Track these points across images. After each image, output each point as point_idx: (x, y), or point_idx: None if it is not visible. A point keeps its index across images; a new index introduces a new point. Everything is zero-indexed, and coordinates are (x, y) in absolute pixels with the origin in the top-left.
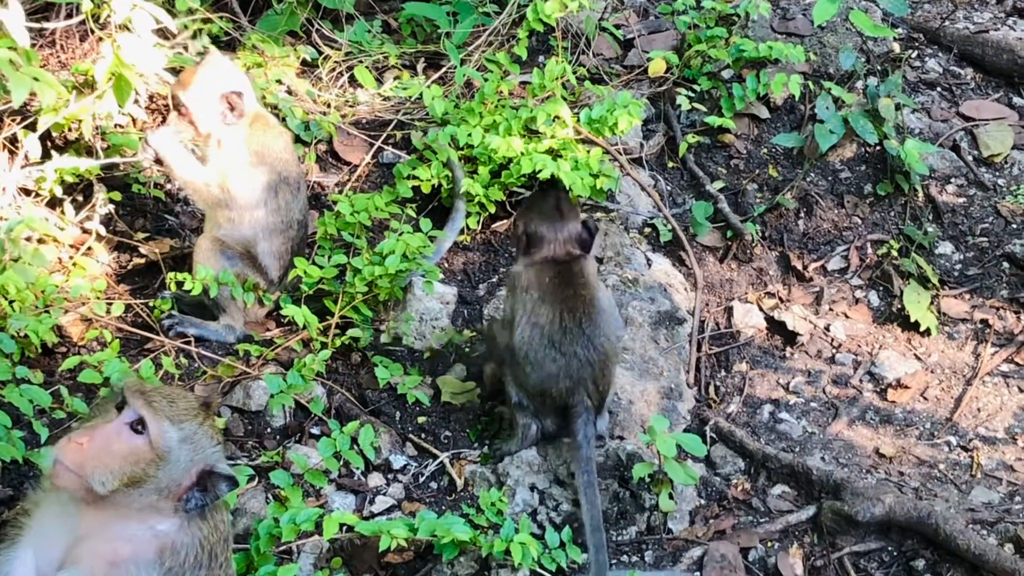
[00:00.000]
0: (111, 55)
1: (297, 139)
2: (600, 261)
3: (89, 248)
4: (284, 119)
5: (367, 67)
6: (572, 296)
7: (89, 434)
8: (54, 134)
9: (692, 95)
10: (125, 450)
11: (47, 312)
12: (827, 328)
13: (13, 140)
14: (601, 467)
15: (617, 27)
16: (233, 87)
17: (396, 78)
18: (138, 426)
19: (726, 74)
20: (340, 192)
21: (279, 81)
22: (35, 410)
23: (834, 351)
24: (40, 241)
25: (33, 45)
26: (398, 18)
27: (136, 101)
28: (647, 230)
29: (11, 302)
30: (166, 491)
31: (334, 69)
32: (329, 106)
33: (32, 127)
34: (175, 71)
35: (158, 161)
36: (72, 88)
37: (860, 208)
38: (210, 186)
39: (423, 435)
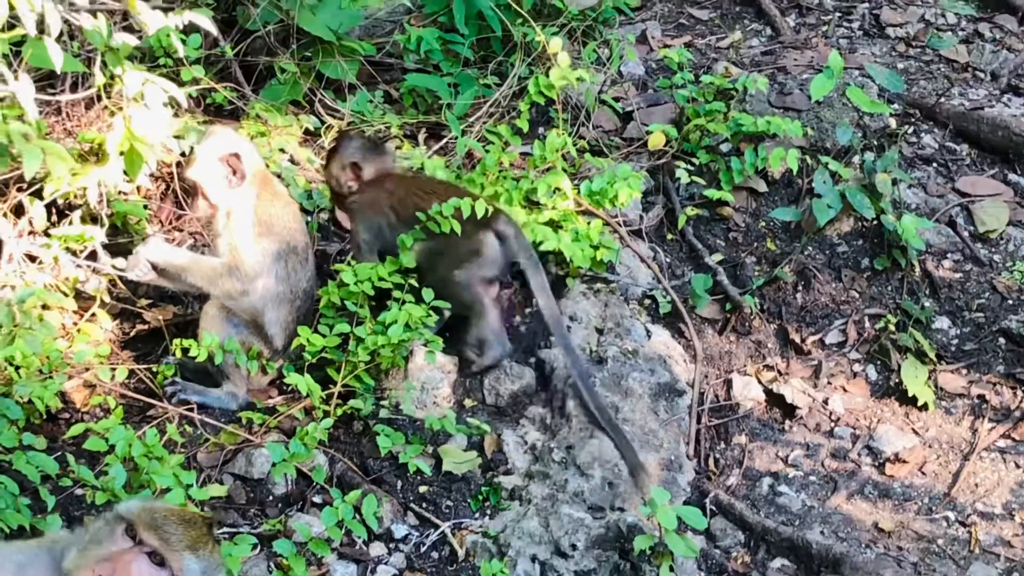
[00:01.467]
0: (122, 127)
1: (300, 207)
2: (600, 332)
3: (93, 315)
4: (287, 187)
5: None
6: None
7: (110, 565)
8: (59, 201)
9: (691, 168)
10: None
11: (51, 378)
12: (826, 402)
13: (19, 207)
14: (602, 539)
15: (616, 100)
16: (231, 149)
17: (397, 148)
18: (160, 560)
19: (724, 147)
20: (342, 261)
21: (282, 150)
22: (41, 477)
23: (833, 424)
24: (45, 308)
25: (41, 114)
26: (400, 88)
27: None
28: (647, 302)
29: (17, 368)
30: None
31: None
32: None
33: (38, 195)
34: (180, 139)
35: (155, 269)
36: (78, 156)
37: (857, 282)
38: (214, 266)
39: (425, 504)
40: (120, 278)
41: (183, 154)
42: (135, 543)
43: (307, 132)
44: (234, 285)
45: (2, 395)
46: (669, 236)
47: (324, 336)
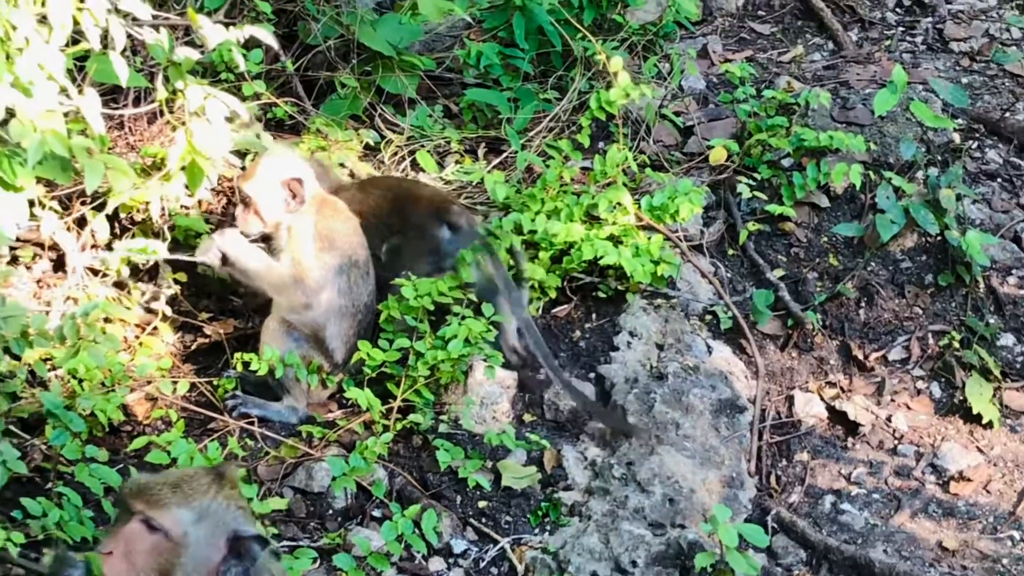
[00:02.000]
0: (184, 142)
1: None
2: (660, 348)
3: (155, 328)
4: None
5: (428, 151)
6: None
7: (114, 542)
8: (121, 215)
9: (752, 183)
10: (148, 547)
11: (114, 391)
12: (889, 419)
13: (81, 221)
14: (662, 556)
15: (677, 114)
16: (293, 174)
17: (457, 163)
18: (152, 524)
19: (786, 162)
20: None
21: (342, 164)
22: (104, 489)
23: (896, 442)
24: (107, 321)
25: (104, 128)
26: (459, 103)
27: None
28: (708, 317)
29: (80, 381)
30: (197, 572)
31: (396, 153)
32: None
33: (100, 208)
34: (240, 154)
35: (225, 260)
36: (140, 171)
37: (921, 298)
38: (283, 276)
39: (484, 520)
40: (182, 292)
41: (243, 168)
42: (131, 515)
43: (367, 147)
44: (299, 297)
45: (65, 408)
46: (730, 251)
47: (384, 351)
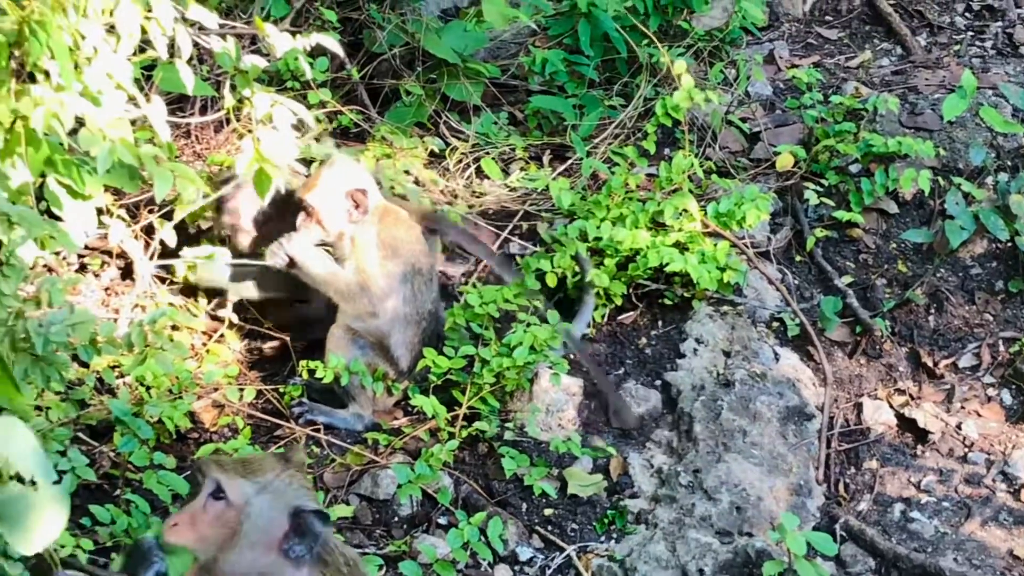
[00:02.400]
0: (251, 149)
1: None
2: (727, 355)
3: (221, 335)
4: None
5: (493, 158)
6: None
7: (182, 513)
8: (188, 223)
9: (820, 189)
10: (212, 516)
11: (181, 398)
12: (959, 426)
13: (149, 229)
14: (730, 564)
15: (743, 120)
16: (357, 185)
17: (522, 169)
18: (219, 493)
19: (854, 168)
20: (466, 282)
21: (407, 171)
22: (171, 496)
23: (966, 450)
24: (174, 328)
25: (171, 136)
26: (524, 110)
27: None
28: (775, 324)
29: (148, 388)
30: (258, 545)
31: (461, 160)
32: (456, 196)
33: (168, 216)
34: (306, 162)
35: (291, 265)
36: (207, 179)
37: (991, 305)
38: (350, 283)
39: (550, 527)
40: (248, 300)
41: (309, 176)
42: (200, 488)
43: (432, 154)
44: (365, 305)
45: (133, 415)
46: (797, 258)
47: (450, 358)
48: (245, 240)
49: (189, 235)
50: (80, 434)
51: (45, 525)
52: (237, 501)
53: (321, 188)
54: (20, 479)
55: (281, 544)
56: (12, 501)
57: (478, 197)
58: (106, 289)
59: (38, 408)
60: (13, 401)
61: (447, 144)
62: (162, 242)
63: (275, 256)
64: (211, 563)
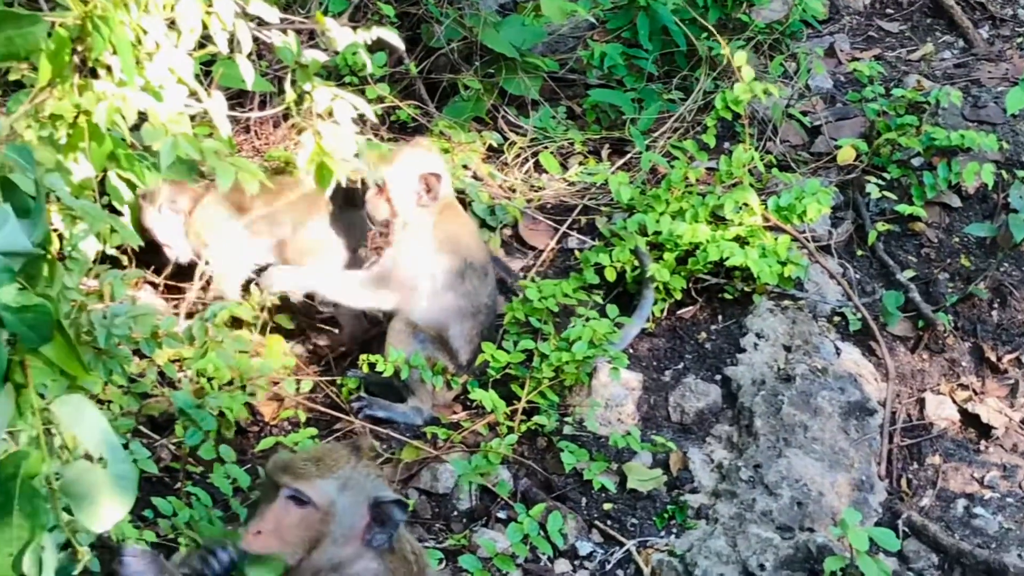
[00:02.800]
0: (312, 143)
1: (483, 223)
2: (788, 350)
3: (280, 329)
4: (471, 203)
5: (552, 152)
6: None
7: (262, 520)
8: None
9: (882, 183)
10: (296, 520)
11: (241, 390)
12: (1023, 422)
13: None
14: (791, 559)
15: (804, 114)
16: (433, 169)
17: (581, 164)
18: (299, 497)
19: (916, 162)
20: (525, 277)
21: (465, 166)
22: (232, 489)
23: None
24: (235, 322)
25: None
26: (583, 104)
27: None
28: (836, 319)
29: (209, 379)
30: (344, 540)
31: (519, 154)
32: (514, 191)
33: None
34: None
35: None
36: (266, 173)
37: None
38: (354, 282)
39: (609, 522)
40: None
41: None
42: (276, 493)
43: (490, 148)
44: (380, 297)
45: (196, 407)
46: (859, 252)
47: (508, 352)
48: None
49: None
50: (141, 427)
51: (113, 503)
52: (322, 503)
53: (399, 165)
54: (89, 457)
55: (364, 535)
56: (81, 478)
57: (536, 191)
58: (167, 284)
59: (100, 401)
60: (81, 379)
61: (505, 139)
62: None
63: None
64: (299, 562)
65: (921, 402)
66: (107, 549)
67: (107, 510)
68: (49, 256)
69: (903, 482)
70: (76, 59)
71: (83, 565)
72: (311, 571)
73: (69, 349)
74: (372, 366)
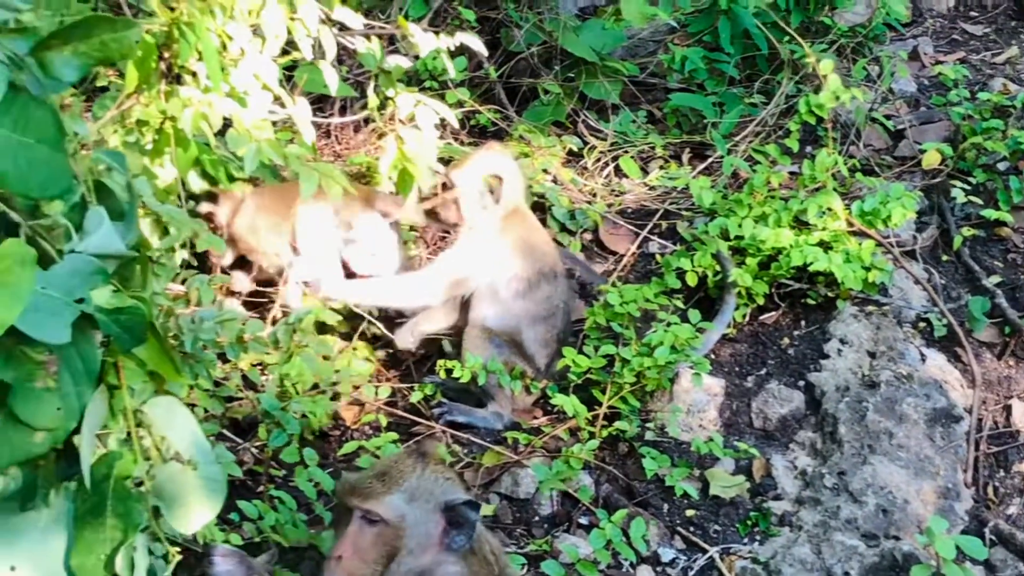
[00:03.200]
0: (394, 149)
1: (563, 228)
2: (872, 356)
3: (361, 334)
4: (550, 208)
5: (632, 157)
6: None
7: (341, 545)
8: None
9: (967, 187)
10: (372, 540)
11: (323, 394)
12: None
13: None
14: (876, 567)
15: (888, 117)
16: (496, 171)
17: (661, 168)
18: (371, 516)
19: (1002, 166)
20: (606, 281)
21: (545, 171)
22: (316, 492)
23: None
24: (319, 327)
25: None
26: (663, 108)
27: None
28: (921, 324)
29: (293, 384)
30: (421, 550)
31: (599, 159)
32: (594, 195)
33: None
34: (445, 162)
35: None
36: (349, 179)
37: None
38: (400, 283)
39: (692, 528)
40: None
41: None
42: (350, 514)
43: (570, 153)
44: (437, 287)
45: (281, 410)
46: (944, 257)
47: (589, 357)
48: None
49: None
50: (225, 431)
51: (203, 505)
52: (392, 518)
53: (466, 168)
54: (178, 459)
55: (442, 540)
56: (172, 480)
57: (617, 196)
58: (252, 291)
59: (186, 404)
60: (172, 380)
61: (585, 143)
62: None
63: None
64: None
65: (1008, 409)
66: (192, 552)
67: (197, 512)
68: (142, 258)
69: (989, 490)
70: (162, 65)
71: (173, 566)
72: None
73: (162, 351)
74: (449, 372)
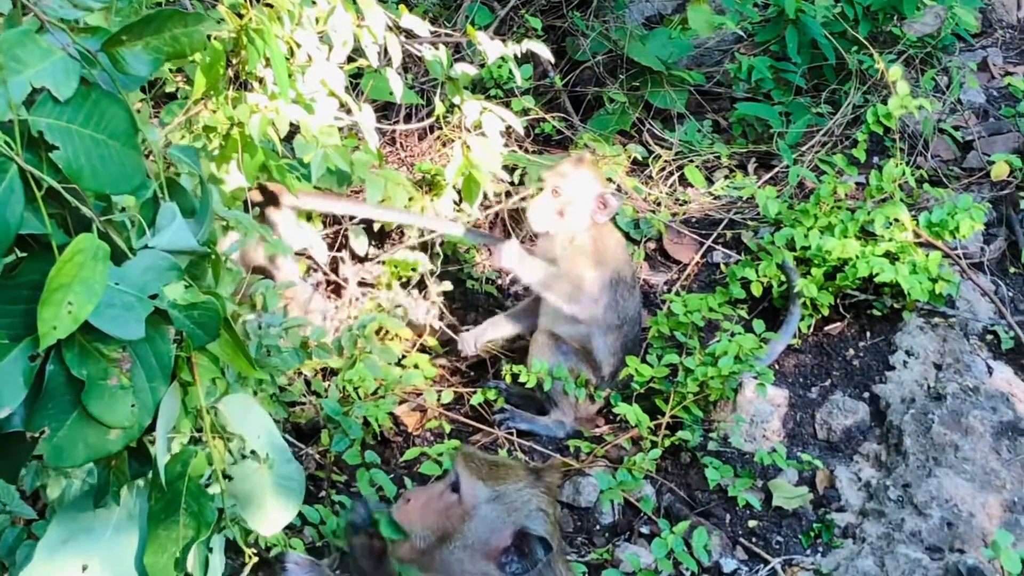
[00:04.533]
0: (460, 156)
1: (627, 236)
2: (938, 368)
3: (423, 342)
4: (615, 217)
5: (697, 166)
6: None
7: (417, 493)
8: (388, 229)
9: None
10: (442, 507)
11: (384, 398)
12: None
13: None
14: None
15: (956, 128)
16: (611, 189)
17: (727, 177)
18: (456, 486)
19: None
20: (669, 291)
21: (610, 179)
22: (379, 497)
23: None
24: (383, 334)
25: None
26: (729, 118)
27: None
28: (988, 337)
29: (356, 388)
30: (474, 549)
31: (664, 168)
32: (659, 204)
33: (371, 224)
34: (509, 169)
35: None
36: (413, 185)
37: None
38: (567, 289)
39: (754, 539)
40: (450, 306)
41: (512, 183)
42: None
43: (635, 162)
44: (577, 309)
45: (343, 415)
46: (1012, 269)
47: (652, 366)
48: None
49: (393, 241)
50: (287, 436)
51: (280, 506)
52: (468, 501)
53: (582, 181)
54: (254, 458)
55: (499, 556)
56: (248, 479)
57: (681, 205)
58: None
59: None
60: (248, 373)
61: (650, 152)
62: (368, 247)
63: (502, 262)
64: (429, 548)
65: None
66: (261, 559)
67: (274, 512)
68: (214, 255)
69: None
70: (230, 72)
71: (249, 568)
72: (438, 567)
73: (236, 346)
74: (515, 377)
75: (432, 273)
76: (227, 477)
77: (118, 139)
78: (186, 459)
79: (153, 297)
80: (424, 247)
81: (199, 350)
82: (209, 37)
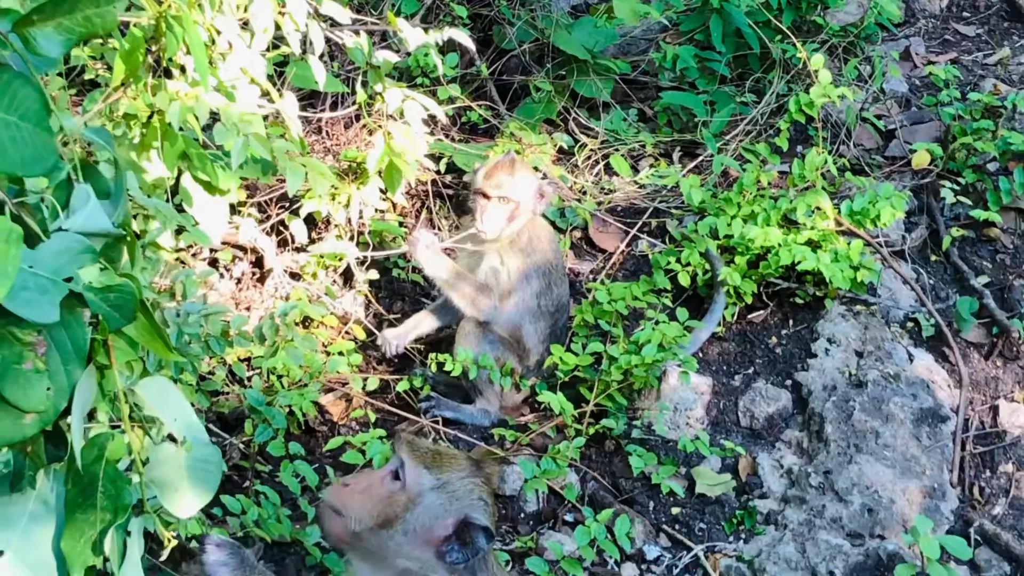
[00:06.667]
0: (382, 144)
1: (553, 225)
2: (860, 355)
3: (347, 331)
4: None
5: (623, 155)
6: None
7: (357, 478)
8: (317, 219)
9: (956, 188)
10: (383, 492)
11: (307, 386)
12: None
13: (276, 225)
14: (860, 566)
15: (878, 117)
16: (546, 180)
17: (652, 166)
18: (398, 472)
19: (992, 167)
20: (594, 279)
21: (536, 168)
22: (300, 488)
23: None
24: (305, 322)
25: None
26: (654, 107)
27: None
28: (909, 324)
29: (280, 377)
30: (416, 536)
31: (590, 157)
32: (584, 193)
33: (297, 212)
34: (434, 158)
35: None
36: (337, 174)
37: None
38: (472, 290)
39: (677, 526)
40: (375, 295)
41: (438, 172)
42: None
43: (560, 150)
44: (489, 303)
45: (267, 405)
46: (933, 257)
47: (577, 355)
48: None
49: (318, 231)
50: (211, 425)
51: (197, 488)
52: (412, 488)
53: (522, 180)
54: (173, 440)
55: (440, 544)
56: (164, 463)
57: (607, 194)
58: (237, 282)
59: None
60: (165, 356)
61: (576, 141)
62: (292, 237)
63: (416, 256)
64: (365, 532)
65: (994, 409)
66: (183, 548)
67: (191, 495)
68: (129, 237)
69: (975, 490)
70: (150, 59)
71: (168, 554)
72: (373, 554)
73: (153, 329)
74: (440, 365)
75: (359, 262)
76: (144, 460)
77: (30, 120)
78: (103, 443)
79: (68, 280)
80: (351, 237)
81: (116, 333)
82: (128, 24)
